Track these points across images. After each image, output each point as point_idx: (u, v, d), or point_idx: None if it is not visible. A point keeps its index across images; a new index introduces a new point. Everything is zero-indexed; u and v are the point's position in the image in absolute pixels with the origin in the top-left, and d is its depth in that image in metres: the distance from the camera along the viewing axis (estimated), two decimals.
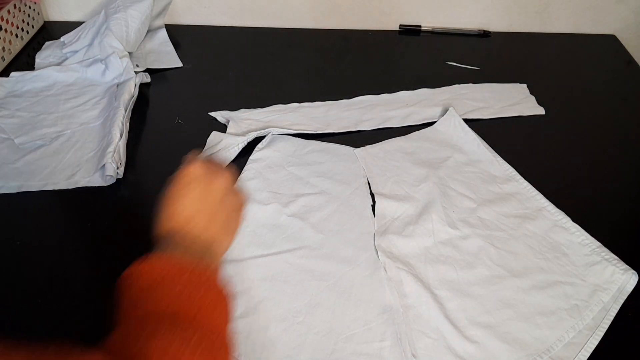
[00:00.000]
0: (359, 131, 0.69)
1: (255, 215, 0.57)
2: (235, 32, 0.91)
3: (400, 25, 0.90)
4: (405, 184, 0.61)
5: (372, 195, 0.60)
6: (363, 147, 0.67)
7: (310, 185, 0.61)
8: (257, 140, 0.66)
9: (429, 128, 0.69)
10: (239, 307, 0.48)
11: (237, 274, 0.51)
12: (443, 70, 0.81)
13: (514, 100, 0.75)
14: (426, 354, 0.45)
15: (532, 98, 0.75)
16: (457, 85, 0.77)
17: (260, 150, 0.65)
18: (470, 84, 0.77)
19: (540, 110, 0.73)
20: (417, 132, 0.69)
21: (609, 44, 0.87)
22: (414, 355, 0.45)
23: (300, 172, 0.63)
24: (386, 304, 0.49)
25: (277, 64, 0.83)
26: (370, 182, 0.62)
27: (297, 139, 0.67)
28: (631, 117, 0.72)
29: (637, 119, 0.72)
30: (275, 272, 0.52)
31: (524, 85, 0.77)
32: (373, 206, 0.59)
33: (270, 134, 0.67)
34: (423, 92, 0.76)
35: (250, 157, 0.64)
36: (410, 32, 0.90)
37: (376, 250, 0.54)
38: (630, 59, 0.84)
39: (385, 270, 0.52)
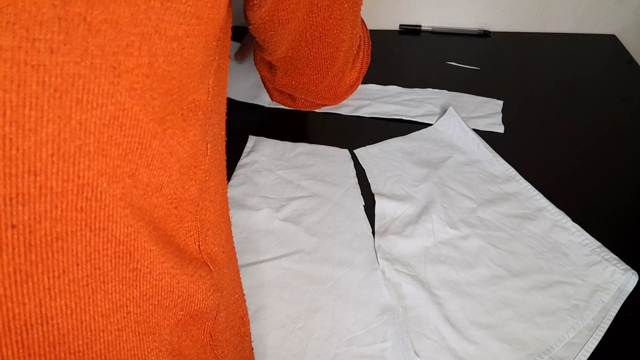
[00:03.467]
0: (354, 130, 0.69)
1: (247, 221, 0.57)
2: (237, 33, 0.91)
3: (400, 25, 0.90)
4: (405, 184, 0.61)
5: (364, 196, 0.60)
6: (363, 147, 0.66)
7: (301, 189, 0.61)
8: (243, 144, 0.66)
9: (429, 128, 0.69)
10: None
11: None
12: (443, 70, 0.81)
13: (479, 113, 0.71)
14: (426, 355, 0.45)
15: (499, 115, 0.71)
16: (429, 90, 0.76)
17: (247, 154, 0.65)
18: (445, 91, 0.75)
19: (500, 129, 0.69)
20: (417, 132, 0.69)
21: (609, 44, 0.87)
22: (416, 355, 0.45)
23: (290, 176, 0.62)
24: (386, 304, 0.49)
25: None
26: (370, 182, 0.62)
27: (283, 142, 0.67)
28: (631, 117, 0.72)
29: (637, 119, 0.72)
30: (272, 278, 0.51)
31: (500, 102, 0.73)
32: (365, 207, 0.59)
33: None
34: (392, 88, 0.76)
35: (239, 162, 0.64)
36: (410, 32, 0.90)
37: (375, 252, 0.54)
38: (630, 59, 0.83)
39: (384, 273, 0.52)
